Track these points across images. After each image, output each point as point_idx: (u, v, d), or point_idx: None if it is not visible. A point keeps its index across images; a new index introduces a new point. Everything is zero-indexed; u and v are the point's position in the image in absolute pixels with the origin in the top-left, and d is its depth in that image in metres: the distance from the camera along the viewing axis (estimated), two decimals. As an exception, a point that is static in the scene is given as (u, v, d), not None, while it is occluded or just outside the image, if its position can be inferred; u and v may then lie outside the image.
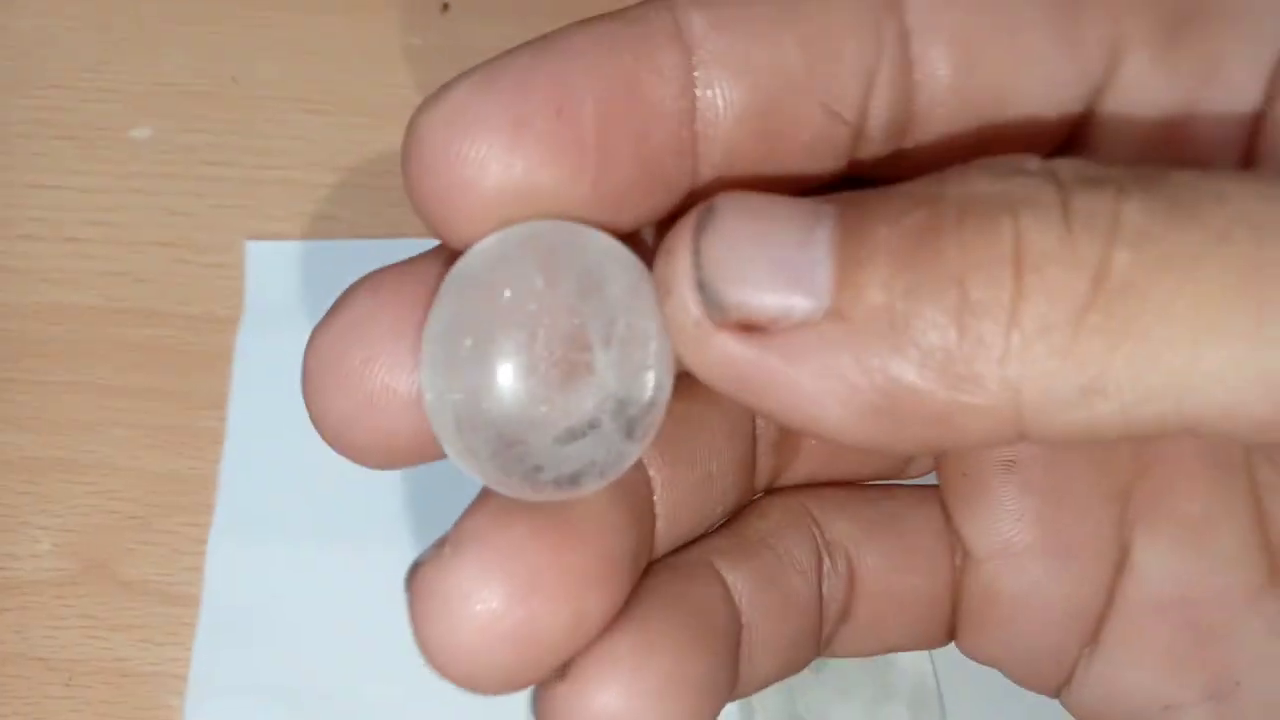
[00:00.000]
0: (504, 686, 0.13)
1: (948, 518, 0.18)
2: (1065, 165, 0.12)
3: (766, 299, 0.12)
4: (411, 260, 0.14)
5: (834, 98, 0.14)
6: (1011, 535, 0.17)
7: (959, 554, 0.18)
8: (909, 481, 0.19)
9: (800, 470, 0.18)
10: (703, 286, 0.12)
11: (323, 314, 0.14)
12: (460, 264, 0.13)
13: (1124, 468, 0.17)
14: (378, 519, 0.30)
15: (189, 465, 0.31)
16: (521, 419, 0.12)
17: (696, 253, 0.12)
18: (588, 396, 0.12)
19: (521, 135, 0.12)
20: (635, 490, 0.15)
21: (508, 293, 0.12)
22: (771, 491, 0.18)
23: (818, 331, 0.12)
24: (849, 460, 0.18)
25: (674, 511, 0.16)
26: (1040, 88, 0.14)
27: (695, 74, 0.13)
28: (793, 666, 0.17)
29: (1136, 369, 0.11)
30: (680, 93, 0.13)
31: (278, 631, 0.29)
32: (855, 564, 0.18)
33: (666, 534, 0.16)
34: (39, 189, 0.35)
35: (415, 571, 0.14)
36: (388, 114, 0.36)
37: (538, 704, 0.14)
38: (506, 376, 0.12)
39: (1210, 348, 0.11)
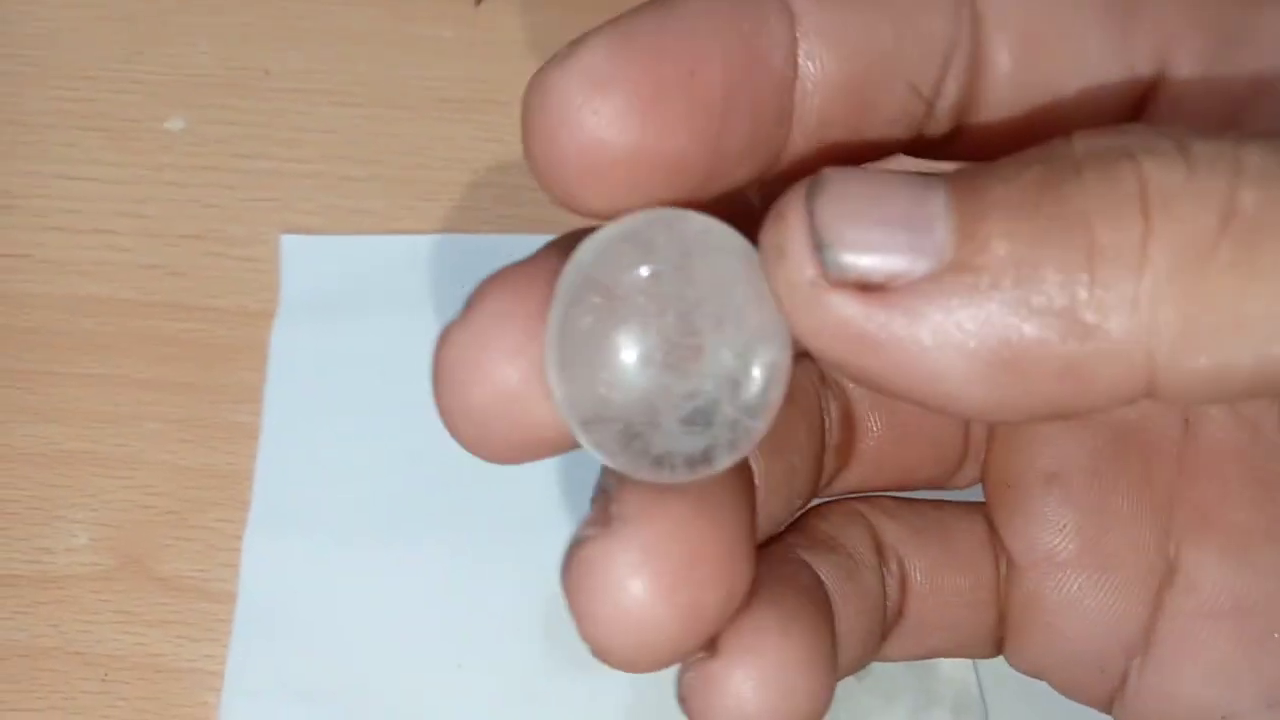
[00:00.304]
0: (661, 663, 0.14)
1: (992, 529, 0.18)
2: (1171, 126, 0.12)
3: (884, 256, 0.12)
4: (536, 256, 0.14)
5: (917, 75, 0.14)
6: (1054, 545, 0.17)
7: (1003, 564, 0.18)
8: (955, 494, 0.19)
9: (851, 477, 0.18)
10: (818, 246, 0.12)
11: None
12: (570, 264, 0.13)
13: (1165, 481, 0.17)
14: (416, 514, 0.30)
15: (224, 460, 0.30)
16: (645, 409, 0.13)
17: (810, 214, 0.12)
18: (707, 378, 0.13)
19: (661, 95, 0.12)
20: (745, 475, 0.15)
21: (617, 288, 0.13)
22: (822, 502, 0.18)
23: (939, 285, 0.12)
24: (898, 466, 0.19)
25: (765, 499, 0.16)
26: (1091, 89, 0.14)
27: (799, 44, 0.13)
28: (860, 662, 0.17)
29: (1269, 304, 0.11)
30: (787, 60, 0.13)
31: (314, 628, 0.28)
32: (905, 566, 0.18)
33: (760, 522, 0.16)
34: (70, 180, 0.34)
35: (576, 550, 0.14)
36: (421, 107, 0.36)
37: (687, 681, 0.15)
38: (625, 371, 0.13)
39: None
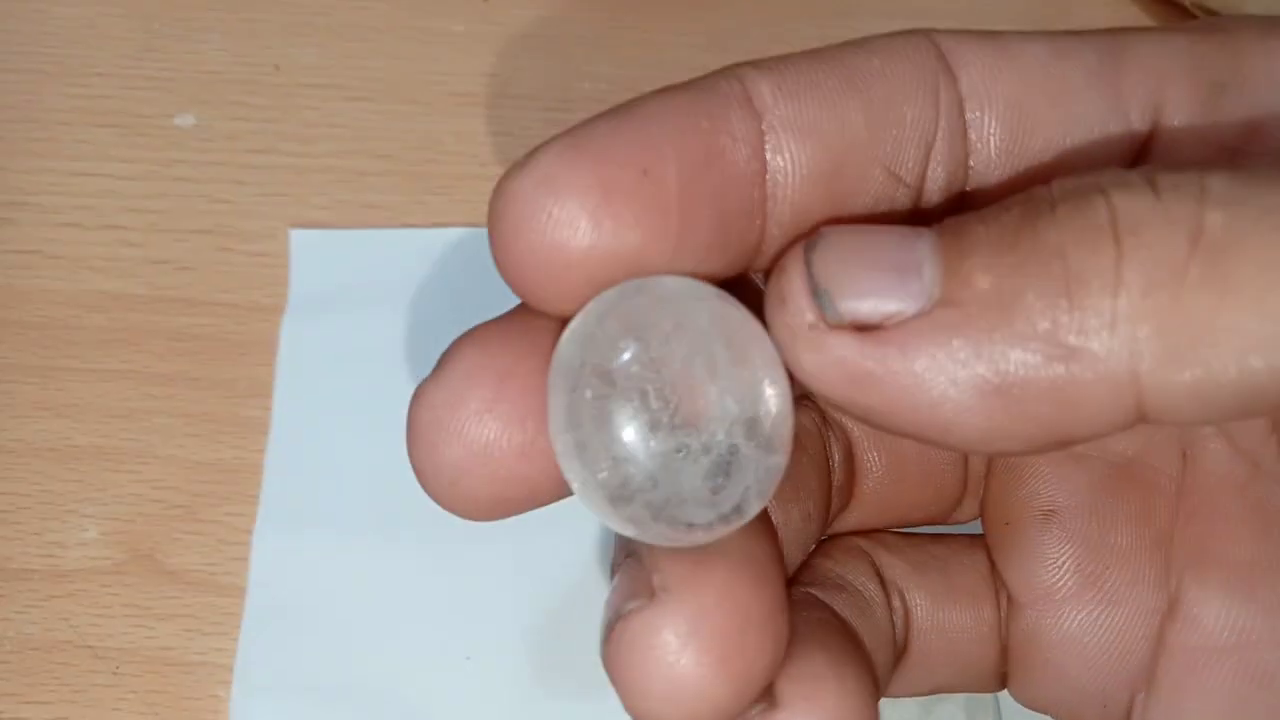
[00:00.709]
0: None
1: (992, 564, 0.18)
2: (1143, 166, 0.13)
3: (877, 298, 0.13)
4: (508, 313, 0.14)
5: (895, 161, 0.14)
6: (1053, 582, 0.18)
7: (1004, 600, 0.18)
8: (955, 528, 0.19)
9: (852, 517, 0.19)
10: (815, 293, 0.13)
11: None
12: (556, 356, 0.13)
13: (1165, 516, 0.17)
14: (425, 507, 0.29)
15: (234, 454, 0.30)
16: (667, 474, 0.13)
17: (808, 264, 0.13)
18: (718, 428, 0.13)
19: (611, 196, 0.13)
20: (769, 526, 0.16)
21: (610, 366, 0.13)
22: (822, 541, 0.19)
23: (929, 321, 0.12)
24: (899, 504, 0.19)
25: (787, 550, 0.16)
26: (1088, 149, 0.15)
27: (765, 138, 0.14)
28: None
29: (1244, 317, 0.11)
30: (752, 155, 0.14)
31: (324, 622, 0.28)
32: (907, 601, 0.18)
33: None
34: (82, 177, 0.35)
35: (620, 624, 0.14)
36: (430, 101, 0.36)
37: None
38: (637, 444, 0.13)
39: None
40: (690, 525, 0.13)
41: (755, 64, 0.14)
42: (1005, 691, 0.19)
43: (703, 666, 0.13)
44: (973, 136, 0.15)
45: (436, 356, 0.14)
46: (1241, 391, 0.12)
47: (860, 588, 0.17)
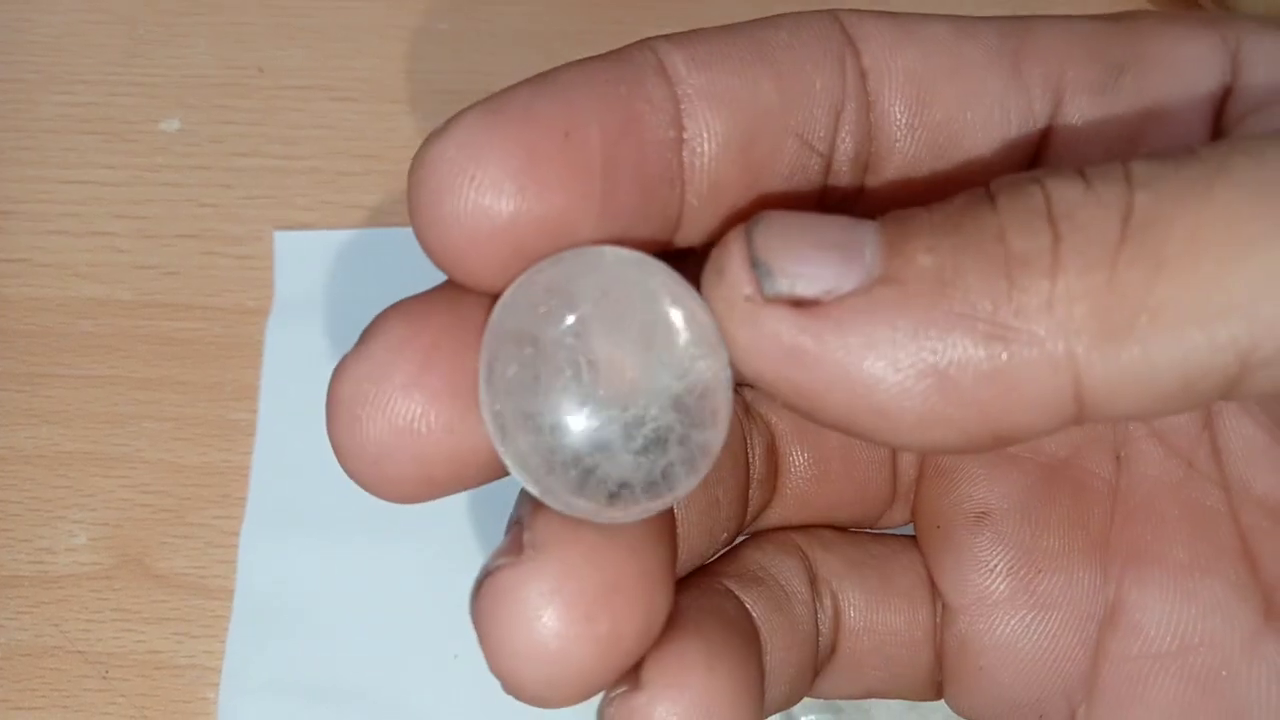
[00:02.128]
0: (575, 696, 0.13)
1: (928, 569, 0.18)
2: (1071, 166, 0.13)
3: (817, 270, 0.12)
4: (438, 287, 0.14)
5: (806, 129, 0.14)
6: (985, 586, 0.17)
7: (939, 606, 0.18)
8: (893, 530, 0.19)
9: (775, 514, 0.18)
10: (756, 264, 0.12)
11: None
12: (491, 320, 0.13)
13: (1100, 520, 0.17)
14: (411, 511, 0.30)
15: (221, 458, 0.31)
16: (595, 448, 0.13)
17: (749, 239, 0.13)
18: (650, 402, 0.13)
19: (535, 159, 0.13)
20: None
21: (542, 335, 0.13)
22: (757, 532, 0.18)
23: (869, 298, 0.12)
24: (823, 504, 0.18)
25: (688, 532, 0.16)
26: (989, 124, 0.15)
27: (681, 106, 0.14)
28: (790, 699, 0.17)
29: (1178, 290, 0.11)
30: (670, 122, 0.14)
31: (311, 623, 0.28)
32: (839, 600, 0.18)
33: (682, 554, 0.16)
34: (69, 184, 0.35)
35: (486, 580, 0.13)
36: (415, 100, 0.36)
37: (609, 715, 0.14)
38: (567, 416, 0.13)
39: (1243, 261, 0.11)
40: (615, 497, 0.13)
41: (668, 37, 0.14)
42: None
43: (565, 624, 0.13)
44: (875, 111, 0.15)
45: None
46: (1182, 372, 0.12)
47: (783, 582, 0.17)
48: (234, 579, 0.29)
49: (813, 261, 0.12)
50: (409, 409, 0.13)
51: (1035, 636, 0.17)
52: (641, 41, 0.14)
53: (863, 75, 0.14)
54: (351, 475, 0.13)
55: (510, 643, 0.13)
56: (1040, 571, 0.17)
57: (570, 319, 0.13)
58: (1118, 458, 0.17)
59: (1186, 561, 0.16)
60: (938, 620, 0.18)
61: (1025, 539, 0.17)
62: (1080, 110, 0.15)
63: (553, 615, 0.13)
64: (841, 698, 0.18)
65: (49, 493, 0.30)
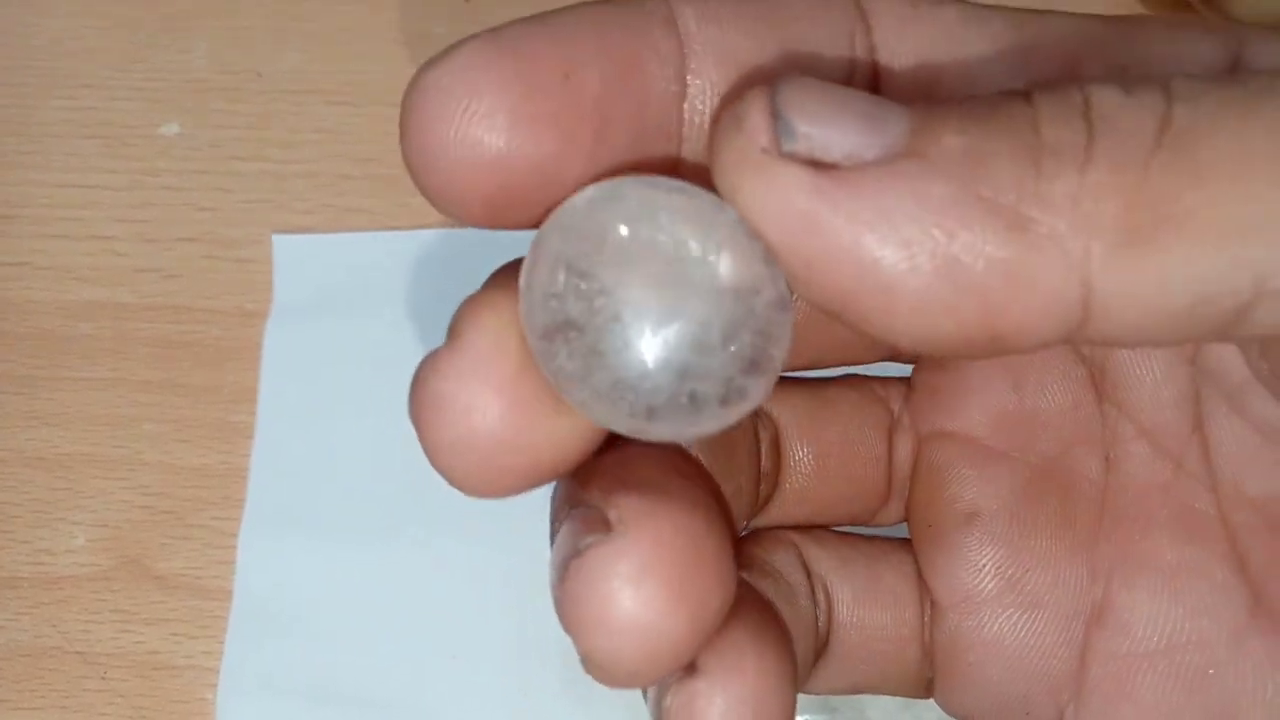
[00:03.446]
0: (663, 672, 0.13)
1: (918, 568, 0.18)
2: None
3: (841, 135, 0.12)
4: (504, 274, 0.14)
5: None
6: (974, 585, 0.17)
7: (929, 605, 0.18)
8: (882, 531, 0.19)
9: (775, 512, 0.18)
10: (776, 115, 0.12)
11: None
12: (540, 253, 0.13)
13: (1089, 520, 0.17)
14: (408, 509, 0.30)
15: (220, 460, 0.31)
16: (668, 369, 0.12)
17: (773, 93, 0.12)
18: (713, 313, 0.12)
19: (532, 95, 0.12)
20: (710, 477, 0.15)
21: (598, 259, 0.12)
22: (754, 529, 0.18)
23: (891, 169, 0.12)
24: (822, 500, 0.19)
25: None
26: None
27: (687, 61, 0.13)
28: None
29: (1208, 201, 0.11)
30: (675, 76, 0.13)
31: (309, 624, 0.29)
32: (831, 596, 0.18)
33: None
34: (70, 188, 0.35)
35: (575, 560, 0.13)
36: (412, 104, 0.36)
37: (669, 703, 0.14)
38: (634, 341, 0.12)
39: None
40: (694, 407, 0.12)
41: None
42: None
43: (660, 600, 0.13)
44: (882, 87, 0.14)
45: (419, 358, 0.14)
46: (1196, 288, 0.11)
47: (787, 575, 0.17)
48: (232, 580, 0.29)
49: (837, 125, 0.12)
50: (508, 406, 0.13)
51: (1022, 634, 0.17)
52: None
53: (872, 50, 0.14)
54: (446, 475, 0.13)
55: (606, 621, 0.13)
56: (1028, 570, 0.17)
57: (623, 233, 0.12)
58: (1107, 459, 0.17)
59: (1174, 562, 0.17)
60: (925, 620, 0.18)
61: (1014, 539, 0.17)
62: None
63: (648, 591, 0.13)
64: (830, 693, 0.18)
65: (49, 494, 0.30)
